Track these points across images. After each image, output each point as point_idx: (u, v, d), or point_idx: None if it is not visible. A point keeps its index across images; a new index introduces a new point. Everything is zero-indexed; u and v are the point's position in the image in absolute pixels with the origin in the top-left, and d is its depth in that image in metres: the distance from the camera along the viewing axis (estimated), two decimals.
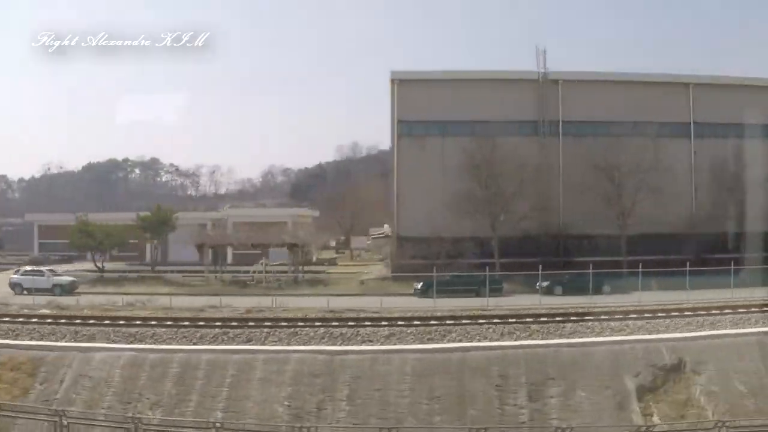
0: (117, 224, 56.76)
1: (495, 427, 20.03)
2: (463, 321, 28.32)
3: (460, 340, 25.55)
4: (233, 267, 54.83)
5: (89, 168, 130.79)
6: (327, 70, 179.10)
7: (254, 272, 49.89)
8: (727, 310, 28.96)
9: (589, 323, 27.61)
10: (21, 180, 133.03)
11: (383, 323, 27.77)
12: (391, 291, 42.50)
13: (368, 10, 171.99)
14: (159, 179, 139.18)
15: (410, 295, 40.46)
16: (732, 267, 37.61)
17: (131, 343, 25.80)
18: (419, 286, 41.04)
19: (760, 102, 51.57)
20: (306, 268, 53.04)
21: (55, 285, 43.81)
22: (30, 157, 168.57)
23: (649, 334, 25.49)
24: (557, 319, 28.44)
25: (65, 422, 18.53)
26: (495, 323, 27.71)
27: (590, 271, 38.26)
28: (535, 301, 36.01)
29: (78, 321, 29.01)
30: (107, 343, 25.76)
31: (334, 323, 27.98)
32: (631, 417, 21.14)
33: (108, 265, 55.32)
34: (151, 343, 25.80)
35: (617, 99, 51.37)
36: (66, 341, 25.98)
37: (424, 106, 51.39)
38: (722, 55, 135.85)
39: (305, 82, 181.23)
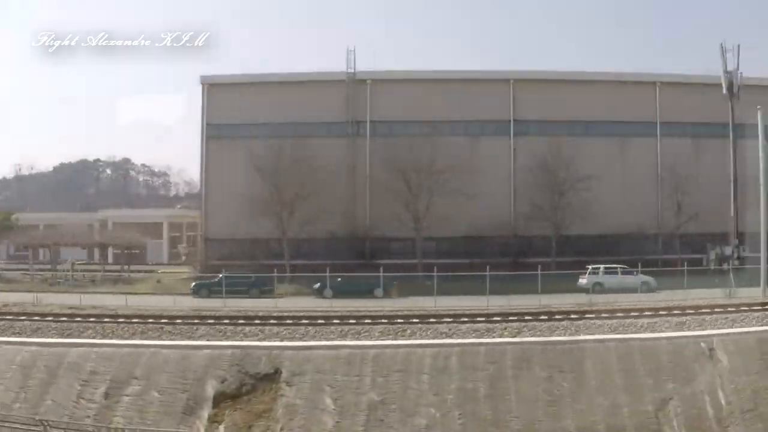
0: None
1: None
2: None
3: None
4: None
5: (60, 169, 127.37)
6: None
7: (66, 271, 49.73)
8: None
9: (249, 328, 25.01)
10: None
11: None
12: (183, 291, 40.41)
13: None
14: (130, 179, 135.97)
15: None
16: (539, 272, 34.33)
17: None
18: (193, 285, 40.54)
19: (581, 97, 50.18)
20: (132, 267, 53.38)
21: None
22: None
23: (260, 341, 22.80)
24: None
25: None
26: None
27: (379, 274, 37.55)
28: (298, 304, 33.75)
29: None
30: None
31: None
32: (196, 423, 18.99)
33: None
34: None
35: (435, 98, 49.59)
36: None
37: (235, 108, 49.92)
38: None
39: None
